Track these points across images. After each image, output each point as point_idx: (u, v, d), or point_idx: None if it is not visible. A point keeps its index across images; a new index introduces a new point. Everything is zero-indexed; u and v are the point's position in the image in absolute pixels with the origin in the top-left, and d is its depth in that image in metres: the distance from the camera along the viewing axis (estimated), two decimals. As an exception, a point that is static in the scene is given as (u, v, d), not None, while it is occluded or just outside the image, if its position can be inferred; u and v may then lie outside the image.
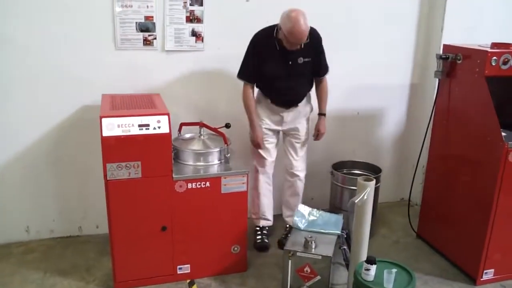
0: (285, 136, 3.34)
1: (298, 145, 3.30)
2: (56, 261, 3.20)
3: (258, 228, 3.46)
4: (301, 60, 3.05)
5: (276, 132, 3.31)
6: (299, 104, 3.21)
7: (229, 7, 3.36)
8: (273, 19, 3.43)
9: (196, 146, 3.04)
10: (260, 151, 3.24)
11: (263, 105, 3.22)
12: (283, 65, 3.05)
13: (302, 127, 3.29)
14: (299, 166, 3.33)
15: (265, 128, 3.24)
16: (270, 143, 3.28)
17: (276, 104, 3.18)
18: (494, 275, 3.09)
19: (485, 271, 3.05)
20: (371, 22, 3.71)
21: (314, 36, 3.03)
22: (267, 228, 3.46)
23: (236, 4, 3.37)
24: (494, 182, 2.84)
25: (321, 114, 3.34)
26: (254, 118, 3.16)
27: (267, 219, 3.44)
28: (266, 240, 3.38)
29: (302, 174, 3.35)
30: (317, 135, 3.36)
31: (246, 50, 3.06)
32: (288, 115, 3.21)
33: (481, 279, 3.07)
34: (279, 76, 3.08)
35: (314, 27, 3.63)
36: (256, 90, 3.23)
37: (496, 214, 2.90)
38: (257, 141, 3.19)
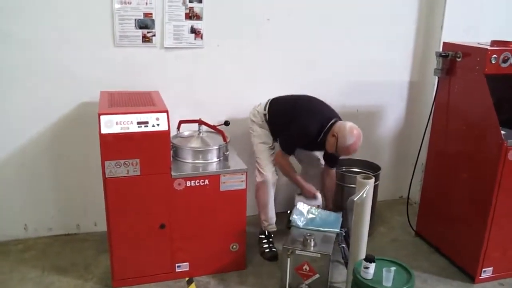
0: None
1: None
2: (55, 259, 3.19)
3: (264, 236, 3.36)
4: (324, 150, 3.20)
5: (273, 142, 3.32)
6: None
7: (228, 4, 3.34)
8: (273, 17, 3.44)
9: (195, 143, 3.03)
10: (267, 162, 3.21)
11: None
12: (310, 149, 3.31)
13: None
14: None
15: (267, 145, 3.25)
16: (272, 155, 3.27)
17: None
18: (492, 273, 3.09)
19: (483, 269, 3.06)
20: (371, 20, 3.70)
21: None
22: (272, 235, 3.40)
23: (235, 1, 3.36)
24: (493, 180, 2.84)
25: (330, 209, 3.31)
26: (298, 178, 3.24)
27: (274, 225, 3.38)
28: (274, 249, 3.29)
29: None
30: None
31: (297, 133, 3.06)
32: None
33: (480, 277, 3.07)
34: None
35: (314, 24, 3.64)
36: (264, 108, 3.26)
37: (495, 212, 2.90)
38: (312, 191, 3.23)
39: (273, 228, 3.35)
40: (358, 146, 2.93)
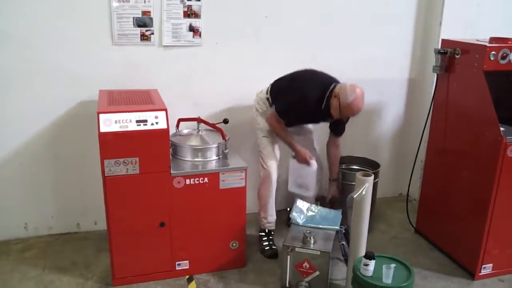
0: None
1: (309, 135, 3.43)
2: (55, 258, 3.19)
3: (264, 233, 3.34)
4: (331, 120, 3.15)
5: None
6: None
7: (227, 1, 3.34)
8: (271, 14, 3.44)
9: (194, 141, 3.03)
10: (270, 156, 3.20)
11: None
12: (315, 119, 3.22)
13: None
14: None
15: (271, 138, 3.23)
16: (276, 148, 3.26)
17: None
18: (492, 270, 3.09)
19: (483, 266, 3.06)
20: (370, 17, 3.70)
21: None
22: (272, 232, 3.38)
23: (234, -1, 3.36)
24: (493, 176, 2.84)
25: (334, 180, 3.37)
26: (292, 141, 3.18)
27: (273, 223, 3.37)
28: (274, 246, 3.27)
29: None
30: (332, 201, 3.36)
31: (294, 99, 2.99)
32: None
33: (480, 274, 3.07)
34: (303, 121, 3.30)
35: (313, 21, 3.64)
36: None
37: (495, 209, 2.91)
38: (306, 157, 3.17)
39: (272, 226, 3.34)
40: (361, 103, 2.88)
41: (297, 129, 3.32)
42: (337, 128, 3.27)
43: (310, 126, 3.44)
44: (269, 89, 3.20)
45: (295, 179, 3.29)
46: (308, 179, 3.22)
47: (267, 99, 3.18)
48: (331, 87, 2.95)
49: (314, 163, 3.19)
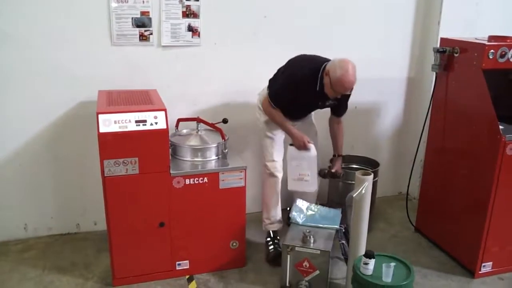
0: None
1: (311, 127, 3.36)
2: (55, 258, 3.19)
3: (270, 238, 3.27)
4: (329, 102, 3.04)
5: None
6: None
7: (226, 1, 3.34)
8: (270, 14, 3.44)
9: (194, 141, 3.03)
10: (271, 157, 3.16)
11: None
12: (313, 103, 3.08)
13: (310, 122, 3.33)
14: None
15: (273, 138, 3.18)
16: (279, 149, 3.21)
17: (290, 119, 3.14)
18: (492, 268, 3.10)
19: (483, 264, 3.06)
20: (368, 16, 3.70)
21: None
22: (278, 235, 3.30)
23: (232, -1, 3.36)
24: (492, 175, 2.85)
25: (339, 155, 3.30)
26: (287, 126, 3.08)
27: (276, 224, 3.31)
28: (279, 249, 3.11)
29: None
30: (335, 175, 3.26)
31: (286, 81, 2.95)
32: (298, 122, 3.23)
33: (480, 272, 3.08)
34: (303, 110, 3.18)
35: (312, 21, 3.63)
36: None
37: (494, 207, 2.91)
38: (303, 141, 3.05)
39: (274, 227, 3.28)
40: (352, 77, 2.76)
41: (297, 122, 3.23)
42: (337, 110, 3.17)
43: (312, 119, 3.34)
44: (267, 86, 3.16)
45: (294, 172, 3.12)
46: (308, 168, 3.09)
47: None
48: (323, 66, 2.87)
49: (313, 147, 3.05)
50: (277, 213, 3.28)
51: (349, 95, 3.07)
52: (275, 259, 3.10)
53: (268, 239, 3.29)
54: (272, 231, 3.30)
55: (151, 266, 2.94)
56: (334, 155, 3.33)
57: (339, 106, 3.13)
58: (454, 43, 3.07)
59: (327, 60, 2.91)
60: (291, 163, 3.11)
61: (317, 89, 2.89)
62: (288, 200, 3.47)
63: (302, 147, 3.07)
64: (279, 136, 3.20)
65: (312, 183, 3.11)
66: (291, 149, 3.10)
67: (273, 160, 3.18)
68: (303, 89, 2.91)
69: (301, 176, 3.10)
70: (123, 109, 2.69)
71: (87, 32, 3.13)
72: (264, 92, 3.18)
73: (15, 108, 3.15)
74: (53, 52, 3.10)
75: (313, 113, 3.33)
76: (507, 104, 3.07)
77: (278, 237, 3.28)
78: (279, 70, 3.12)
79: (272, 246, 3.23)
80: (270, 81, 3.14)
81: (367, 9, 3.68)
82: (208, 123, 3.13)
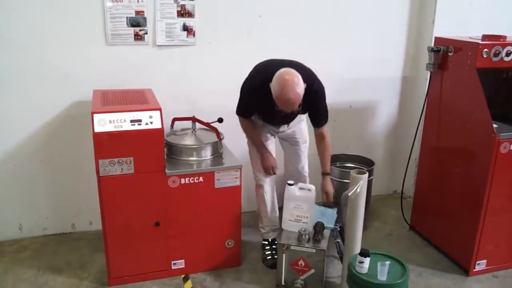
0: (284, 142, 3.22)
1: (298, 148, 3.20)
2: (50, 258, 3.18)
3: (267, 242, 3.23)
4: (299, 109, 2.71)
5: (274, 134, 3.17)
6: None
7: (220, 1, 3.34)
8: (265, 13, 3.44)
9: (189, 141, 3.03)
10: (257, 167, 3.08)
11: (260, 123, 3.08)
12: (278, 111, 2.69)
13: (299, 129, 3.16)
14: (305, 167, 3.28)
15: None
16: (270, 149, 3.12)
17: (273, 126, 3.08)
18: (486, 266, 3.11)
19: (477, 262, 3.08)
20: (362, 15, 3.71)
21: (310, 94, 2.69)
22: (275, 241, 3.19)
23: (227, -2, 3.36)
24: (486, 173, 2.86)
25: (325, 173, 3.06)
26: (258, 143, 2.99)
27: (271, 233, 3.23)
28: (276, 256, 3.02)
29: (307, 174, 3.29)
30: (326, 196, 3.07)
31: (241, 92, 2.87)
32: (285, 127, 3.12)
33: (474, 270, 3.09)
34: (274, 118, 2.95)
35: (306, 21, 3.62)
36: None
37: (488, 206, 2.93)
38: (268, 165, 2.99)
39: (268, 236, 3.23)
40: (290, 94, 2.49)
41: (282, 127, 3.11)
42: (313, 119, 2.94)
43: (301, 126, 3.19)
44: None
45: (292, 213, 2.93)
46: (308, 210, 2.90)
47: None
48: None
49: (313, 188, 2.91)
50: (271, 222, 3.20)
51: (317, 106, 2.86)
52: (273, 266, 3.07)
53: (265, 242, 3.26)
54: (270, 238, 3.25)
55: (146, 266, 2.94)
56: (322, 174, 3.10)
57: (312, 115, 2.92)
58: (448, 42, 3.08)
59: (285, 66, 2.66)
60: (288, 204, 2.93)
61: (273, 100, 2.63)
62: (283, 199, 3.47)
63: (266, 170, 3.03)
64: (271, 146, 3.13)
65: (310, 225, 2.90)
66: (290, 189, 2.93)
67: (259, 171, 3.09)
68: (259, 99, 2.74)
69: (298, 218, 2.93)
70: (118, 109, 2.68)
71: (82, 31, 3.12)
72: None
73: (9, 108, 3.13)
74: (48, 52, 3.09)
75: (303, 117, 3.14)
76: (501, 102, 3.09)
77: (275, 243, 3.18)
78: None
79: (268, 252, 3.19)
80: None
81: (361, 9, 3.69)
82: (203, 122, 3.13)
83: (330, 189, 3.09)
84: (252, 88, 2.80)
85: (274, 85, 2.57)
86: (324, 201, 3.13)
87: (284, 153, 3.32)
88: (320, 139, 3.02)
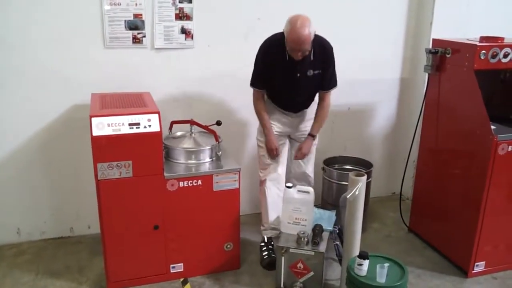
0: (296, 143, 3.23)
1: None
2: (48, 262, 3.17)
3: (264, 244, 3.23)
4: (310, 72, 2.90)
5: (286, 137, 3.21)
6: (307, 109, 3.16)
7: (218, 4, 3.34)
8: (264, 16, 3.44)
9: (187, 144, 3.03)
10: (263, 166, 3.14)
11: (271, 107, 3.13)
12: (292, 78, 2.89)
13: (311, 126, 3.16)
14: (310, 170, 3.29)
15: (276, 132, 3.12)
16: (284, 157, 3.17)
17: (284, 109, 3.12)
18: (485, 267, 3.11)
19: (476, 264, 3.08)
20: (361, 18, 3.72)
21: (323, 47, 2.90)
22: (272, 241, 3.22)
23: (226, 0, 3.35)
24: (484, 175, 2.86)
25: (310, 134, 3.10)
26: (266, 123, 3.04)
27: (270, 231, 3.23)
28: (273, 255, 3.08)
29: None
30: (297, 152, 3.12)
31: (256, 57, 2.96)
32: (296, 118, 3.15)
33: (473, 272, 3.09)
34: (287, 89, 2.97)
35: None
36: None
37: (487, 207, 2.93)
38: (271, 146, 3.05)
39: (267, 234, 3.24)
40: (301, 29, 2.65)
41: (290, 116, 3.14)
42: (323, 80, 2.99)
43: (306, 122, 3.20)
44: None
45: (290, 216, 2.92)
46: (307, 213, 2.89)
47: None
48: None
49: (311, 190, 2.90)
50: (270, 220, 3.21)
51: (329, 65, 2.95)
52: (269, 266, 3.09)
53: (262, 244, 3.27)
54: (267, 237, 3.27)
55: (145, 269, 2.93)
56: (308, 134, 3.14)
57: (323, 77, 2.97)
58: (446, 44, 3.09)
59: None
60: (287, 206, 2.91)
61: (287, 58, 2.82)
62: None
63: (270, 153, 3.09)
64: (282, 145, 3.17)
65: (308, 228, 2.89)
66: (289, 191, 2.91)
67: (264, 169, 3.15)
68: (273, 60, 2.88)
69: (297, 221, 2.92)
70: (117, 112, 2.68)
71: (80, 35, 3.12)
72: None
73: (8, 111, 3.13)
74: (46, 55, 3.09)
75: (309, 111, 3.18)
76: (498, 104, 3.10)
77: (272, 243, 3.21)
78: None
79: (265, 252, 3.19)
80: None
81: (359, 11, 3.70)
82: (201, 126, 3.13)
83: (306, 149, 3.11)
84: (265, 47, 2.91)
85: (286, 26, 2.74)
86: (294, 157, 3.17)
87: (291, 154, 3.31)
88: (321, 101, 3.10)
